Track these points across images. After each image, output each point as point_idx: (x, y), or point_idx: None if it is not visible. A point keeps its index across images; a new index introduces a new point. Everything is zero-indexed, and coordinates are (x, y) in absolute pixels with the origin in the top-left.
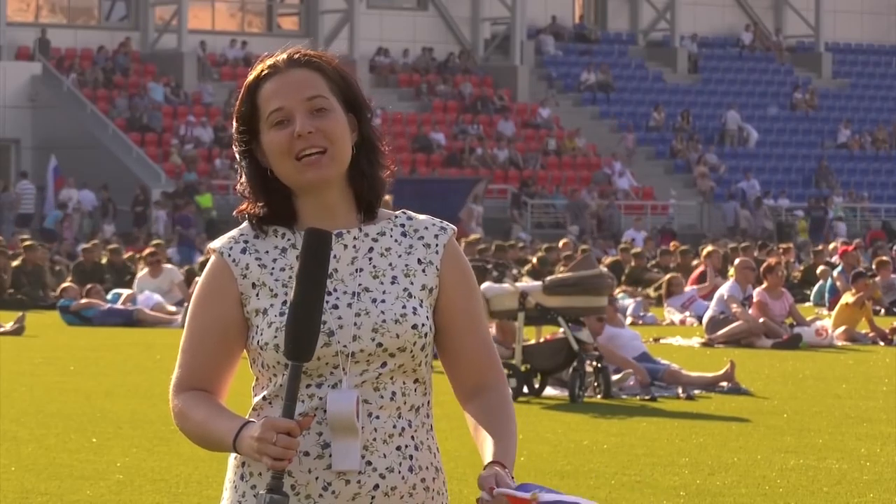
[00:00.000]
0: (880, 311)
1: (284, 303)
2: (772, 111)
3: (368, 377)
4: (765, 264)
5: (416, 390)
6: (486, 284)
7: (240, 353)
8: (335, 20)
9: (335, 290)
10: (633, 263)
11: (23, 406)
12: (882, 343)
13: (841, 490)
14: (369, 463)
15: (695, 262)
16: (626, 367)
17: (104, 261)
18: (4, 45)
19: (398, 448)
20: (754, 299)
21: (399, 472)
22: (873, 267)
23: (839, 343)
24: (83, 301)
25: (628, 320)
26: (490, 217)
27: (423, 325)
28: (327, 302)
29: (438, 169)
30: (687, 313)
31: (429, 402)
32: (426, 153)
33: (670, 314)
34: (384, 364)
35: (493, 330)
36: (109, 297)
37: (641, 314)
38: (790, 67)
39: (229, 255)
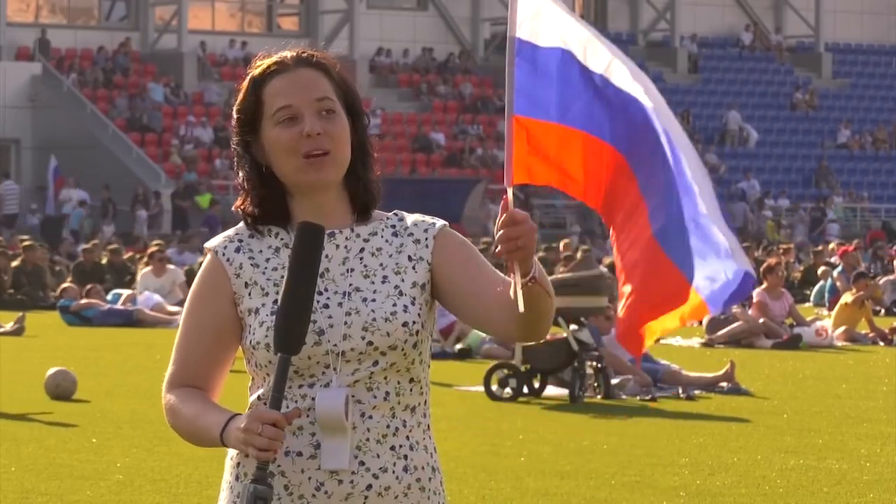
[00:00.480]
0: (880, 311)
1: (275, 302)
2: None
3: (360, 376)
4: (765, 264)
5: (411, 390)
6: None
7: (234, 352)
8: (335, 20)
9: (326, 289)
10: None
11: (23, 406)
12: (882, 343)
13: (841, 490)
14: (362, 463)
15: None
16: (628, 373)
17: (104, 261)
18: (4, 45)
19: (392, 448)
20: (754, 299)
21: (393, 472)
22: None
23: (839, 343)
24: (83, 301)
25: None
26: (490, 217)
27: (413, 322)
28: (318, 301)
29: (438, 169)
30: None
31: (426, 402)
32: (426, 153)
33: None
34: (375, 363)
35: None
36: (109, 297)
37: None
38: (790, 67)
39: (224, 255)
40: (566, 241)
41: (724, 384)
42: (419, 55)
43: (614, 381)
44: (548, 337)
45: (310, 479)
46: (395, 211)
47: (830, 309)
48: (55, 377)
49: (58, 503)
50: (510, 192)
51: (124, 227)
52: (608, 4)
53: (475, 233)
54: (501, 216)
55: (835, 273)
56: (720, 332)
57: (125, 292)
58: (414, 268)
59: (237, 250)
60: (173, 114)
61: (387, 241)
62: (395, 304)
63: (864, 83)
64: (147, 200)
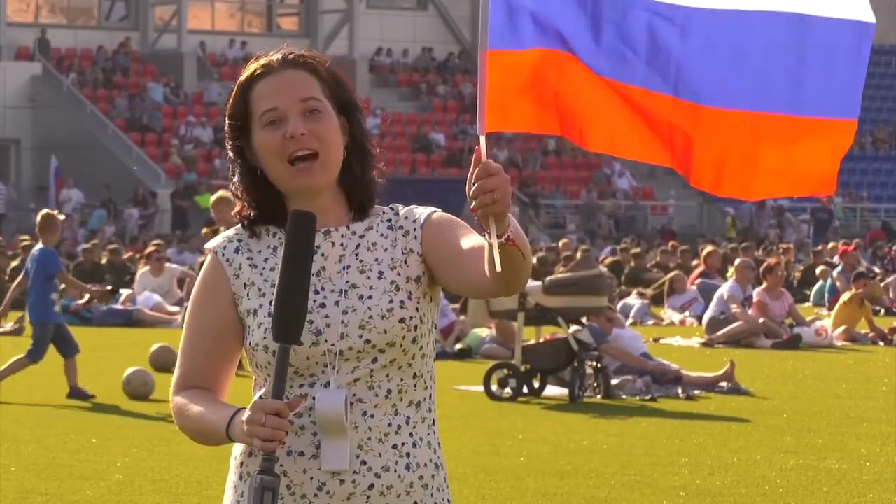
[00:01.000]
0: (880, 311)
1: (272, 303)
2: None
3: (361, 374)
4: (765, 264)
5: (415, 385)
6: None
7: (238, 352)
8: (335, 20)
9: (323, 288)
10: (632, 263)
11: (23, 406)
12: (882, 343)
13: (841, 490)
14: (364, 462)
15: (694, 263)
16: (638, 365)
17: (104, 261)
18: (4, 45)
19: (394, 446)
20: (754, 299)
21: (395, 470)
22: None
23: (839, 343)
24: (83, 301)
25: (629, 321)
26: None
27: (411, 318)
28: (314, 301)
29: (438, 169)
30: (687, 313)
31: (431, 396)
32: (426, 153)
33: (670, 315)
34: (375, 360)
35: (492, 330)
36: None
37: (645, 320)
38: None
39: (223, 255)
40: (566, 240)
41: (723, 384)
42: (419, 55)
43: (614, 382)
44: (547, 337)
45: (312, 479)
46: (391, 205)
47: (830, 309)
48: (138, 376)
49: (58, 503)
50: (483, 140)
51: (125, 227)
52: None
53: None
54: (474, 168)
55: (835, 273)
56: (720, 332)
57: (125, 292)
58: (406, 262)
59: (237, 251)
60: (173, 114)
61: (382, 234)
62: (391, 301)
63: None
64: (146, 200)
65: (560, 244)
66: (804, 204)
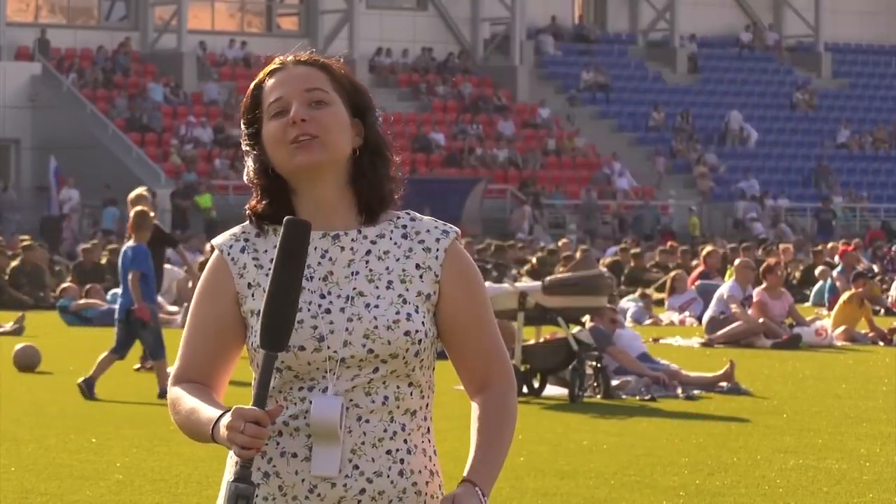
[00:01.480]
0: (880, 311)
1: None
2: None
3: (360, 382)
4: (764, 264)
5: (411, 394)
6: (485, 284)
7: (238, 350)
8: (335, 20)
9: (329, 293)
10: (632, 263)
11: (23, 406)
12: (882, 343)
13: (841, 490)
14: (356, 467)
15: (694, 262)
16: (638, 370)
17: (104, 261)
18: (4, 45)
19: (388, 452)
20: (754, 299)
21: (388, 476)
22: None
23: (839, 343)
24: (83, 301)
25: (628, 321)
26: (490, 217)
27: (416, 331)
28: (320, 306)
29: (438, 169)
30: (686, 313)
31: (427, 406)
32: (426, 153)
33: (669, 315)
34: (376, 370)
35: None
36: (109, 296)
37: (643, 320)
38: (790, 67)
39: (228, 254)
40: (566, 240)
41: (723, 384)
42: (419, 55)
43: (614, 382)
44: (547, 337)
45: (303, 480)
46: (407, 210)
47: (830, 309)
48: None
49: (58, 503)
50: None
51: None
52: (608, 4)
53: (474, 233)
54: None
55: (835, 273)
56: (720, 332)
57: None
58: (421, 277)
59: (242, 250)
60: (173, 114)
61: (395, 243)
62: (398, 312)
63: (863, 83)
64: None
65: (560, 244)
66: (804, 204)
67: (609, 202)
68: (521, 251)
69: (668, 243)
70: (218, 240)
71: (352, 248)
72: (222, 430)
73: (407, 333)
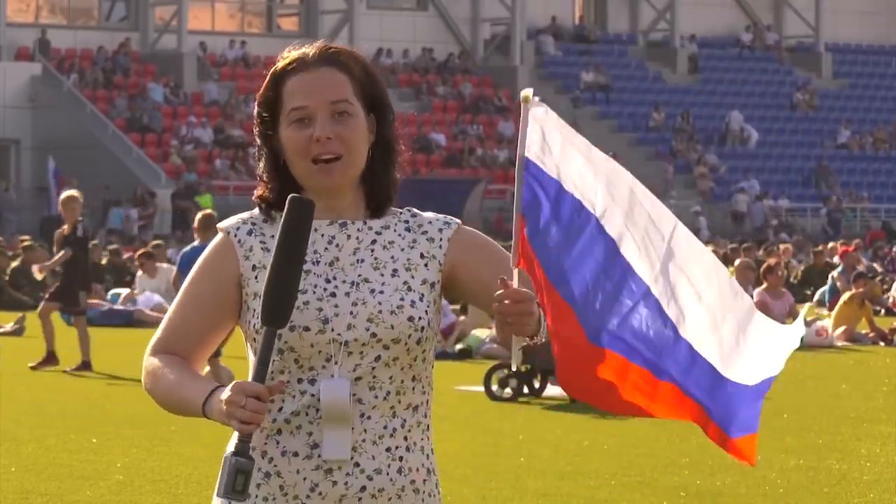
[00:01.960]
0: (880, 311)
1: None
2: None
3: (362, 372)
4: (765, 265)
5: (413, 388)
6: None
7: (225, 331)
8: (335, 20)
9: (335, 278)
10: None
11: (23, 406)
12: (882, 343)
13: (841, 490)
14: (357, 464)
15: None
16: None
17: (104, 261)
18: (4, 45)
19: (388, 449)
20: (755, 299)
21: (387, 473)
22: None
23: (839, 343)
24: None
25: None
26: (490, 217)
27: (419, 318)
28: (325, 290)
29: (438, 169)
30: None
31: (428, 402)
32: (426, 153)
33: None
34: (378, 357)
35: (492, 330)
36: (109, 296)
37: None
38: (790, 67)
39: (236, 236)
40: None
41: None
42: (419, 55)
43: None
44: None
45: (305, 479)
46: (407, 207)
47: (830, 309)
48: None
49: (58, 503)
50: (515, 273)
51: (124, 227)
52: (608, 5)
53: None
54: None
55: (835, 273)
56: None
57: (124, 291)
58: (426, 265)
59: (250, 233)
60: (173, 114)
61: (399, 235)
62: (402, 298)
63: (863, 83)
64: (144, 200)
65: None
66: (804, 204)
67: None
68: None
69: None
70: (225, 223)
71: (357, 237)
72: (219, 405)
73: (410, 319)
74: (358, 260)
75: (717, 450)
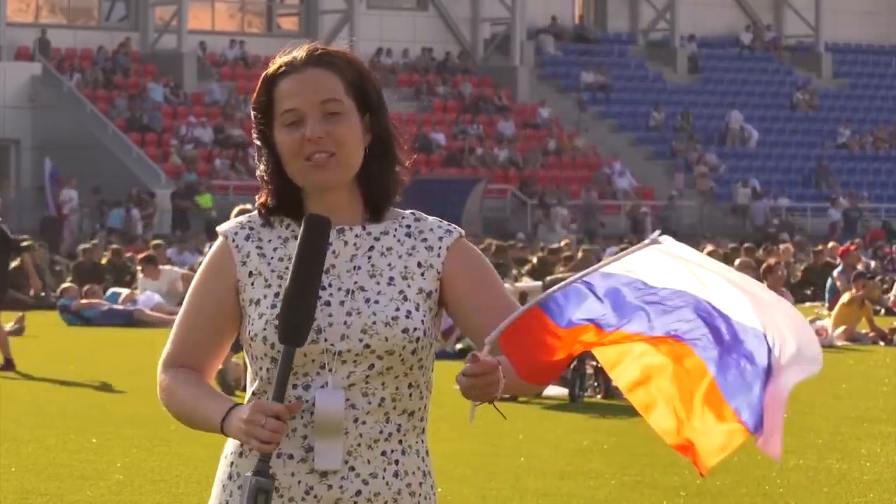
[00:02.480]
0: (880, 311)
1: (277, 294)
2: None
3: (356, 379)
4: (765, 264)
5: (410, 395)
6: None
7: (232, 338)
8: (335, 20)
9: (330, 285)
10: None
11: (23, 406)
12: (882, 343)
13: (841, 490)
14: (352, 468)
15: None
16: None
17: (104, 261)
18: (4, 45)
19: (383, 453)
20: None
21: (383, 477)
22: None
23: (839, 343)
24: (83, 301)
25: None
26: (490, 217)
27: (414, 329)
28: (320, 298)
29: (438, 169)
30: None
31: (425, 406)
32: (426, 153)
33: None
34: (371, 366)
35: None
36: (107, 295)
37: None
38: (790, 67)
39: (233, 241)
40: (566, 241)
41: None
42: (419, 55)
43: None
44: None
45: (300, 482)
46: (412, 210)
47: (830, 309)
48: None
49: (58, 503)
50: (486, 350)
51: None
52: (608, 4)
53: (475, 232)
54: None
55: (835, 273)
56: None
57: (124, 291)
58: (423, 275)
59: (247, 238)
60: (173, 114)
61: (399, 241)
62: (397, 309)
63: (864, 83)
64: (141, 200)
65: (563, 244)
66: (804, 204)
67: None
68: (522, 251)
69: None
70: (224, 226)
71: (355, 244)
72: (238, 424)
73: (405, 331)
74: (354, 267)
75: None
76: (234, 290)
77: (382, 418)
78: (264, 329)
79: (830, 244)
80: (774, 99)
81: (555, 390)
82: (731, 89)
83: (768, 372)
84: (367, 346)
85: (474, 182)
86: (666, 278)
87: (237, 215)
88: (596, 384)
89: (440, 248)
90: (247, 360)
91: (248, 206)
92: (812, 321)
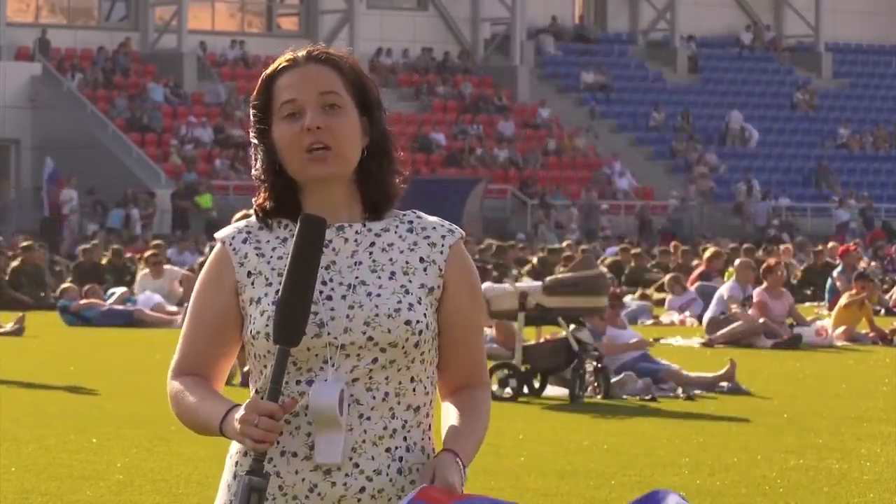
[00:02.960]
0: (880, 311)
1: (278, 292)
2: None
3: (359, 374)
4: (765, 264)
5: (414, 390)
6: (486, 285)
7: (237, 342)
8: (335, 20)
9: (331, 280)
10: (633, 263)
11: (23, 406)
12: (882, 343)
13: (841, 490)
14: (356, 465)
15: (695, 262)
16: (628, 350)
17: (104, 261)
18: (4, 45)
19: (388, 450)
20: (754, 299)
21: (387, 474)
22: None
23: (839, 343)
24: (83, 301)
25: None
26: (490, 217)
27: (417, 321)
28: (321, 293)
29: (438, 169)
30: (687, 313)
31: (430, 402)
32: (426, 153)
33: (669, 315)
34: (375, 360)
35: (493, 331)
36: (107, 296)
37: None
38: (790, 67)
39: (231, 245)
40: (567, 241)
41: (724, 384)
42: (419, 55)
43: (614, 381)
44: (548, 337)
45: (303, 480)
46: (412, 209)
47: (830, 309)
48: None
49: (58, 503)
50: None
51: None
52: (608, 4)
53: (475, 232)
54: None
55: (835, 273)
56: (720, 332)
57: (119, 290)
58: (425, 270)
59: (244, 241)
60: (173, 114)
61: (400, 237)
62: (399, 301)
63: (863, 83)
64: (138, 200)
65: (564, 244)
66: (804, 204)
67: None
68: (522, 251)
69: (672, 243)
70: (221, 232)
71: (355, 240)
72: (234, 424)
73: (408, 323)
74: (356, 262)
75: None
76: (234, 294)
77: (388, 414)
78: (266, 326)
79: (830, 244)
80: (774, 99)
81: (555, 390)
82: (731, 89)
83: None
84: (371, 338)
85: (474, 182)
86: None
87: (239, 220)
88: (596, 384)
89: (443, 245)
90: (249, 362)
91: (250, 212)
92: (812, 321)
